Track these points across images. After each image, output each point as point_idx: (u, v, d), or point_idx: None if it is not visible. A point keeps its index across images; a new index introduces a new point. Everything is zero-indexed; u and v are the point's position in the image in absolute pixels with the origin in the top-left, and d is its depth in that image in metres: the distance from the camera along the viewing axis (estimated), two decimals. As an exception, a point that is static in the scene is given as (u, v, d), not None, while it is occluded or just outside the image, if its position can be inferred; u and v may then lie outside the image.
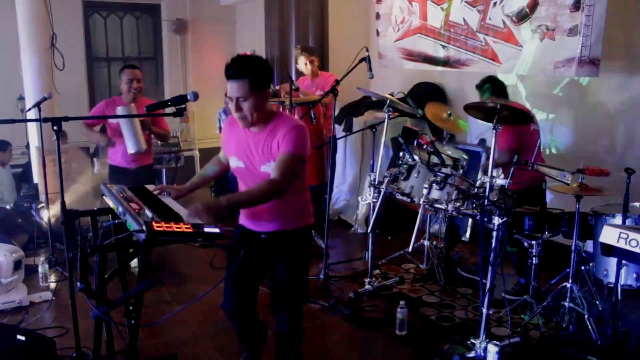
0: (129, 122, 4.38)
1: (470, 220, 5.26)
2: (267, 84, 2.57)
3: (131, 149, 4.41)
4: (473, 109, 3.55)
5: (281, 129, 2.56)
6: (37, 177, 5.97)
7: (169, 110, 2.93)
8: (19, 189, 6.37)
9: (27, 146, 6.55)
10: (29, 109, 5.11)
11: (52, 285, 4.44)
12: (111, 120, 4.59)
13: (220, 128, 6.15)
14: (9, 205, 5.92)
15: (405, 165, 3.93)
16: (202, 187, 3.14)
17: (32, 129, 5.86)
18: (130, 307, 2.82)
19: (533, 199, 4.10)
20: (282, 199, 2.55)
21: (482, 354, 3.26)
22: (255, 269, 2.85)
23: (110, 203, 2.76)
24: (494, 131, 3.35)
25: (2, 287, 4.04)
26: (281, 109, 4.99)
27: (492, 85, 4.28)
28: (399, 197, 3.89)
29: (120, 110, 4.38)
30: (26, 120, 3.68)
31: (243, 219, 2.84)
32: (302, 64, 5.68)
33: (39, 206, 5.48)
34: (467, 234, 5.48)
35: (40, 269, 4.49)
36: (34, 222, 5.42)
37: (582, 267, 3.71)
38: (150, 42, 8.81)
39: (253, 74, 2.47)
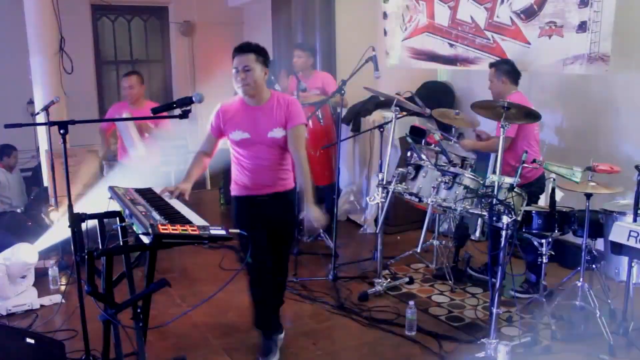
0: (125, 130, 4.68)
1: (479, 219, 5.23)
2: (267, 64, 3.15)
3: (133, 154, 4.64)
4: (480, 108, 3.53)
5: (282, 102, 3.20)
6: (46, 181, 6.01)
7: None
8: (30, 192, 6.41)
9: (37, 149, 6.60)
10: (37, 113, 5.15)
11: (62, 288, 4.47)
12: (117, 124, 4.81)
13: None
14: (19, 209, 5.96)
15: (413, 165, 3.91)
16: (211, 188, 3.29)
17: (41, 132, 5.91)
18: (139, 310, 2.82)
19: (534, 194, 4.07)
20: (280, 167, 3.24)
21: (493, 354, 3.24)
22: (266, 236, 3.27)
23: (117, 205, 2.77)
24: (502, 129, 3.33)
25: (12, 290, 4.07)
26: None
27: (510, 68, 4.25)
28: (407, 196, 3.87)
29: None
30: (33, 124, 3.74)
31: (244, 190, 3.27)
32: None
33: (49, 209, 5.50)
34: (477, 233, 5.44)
35: (50, 272, 4.51)
36: (44, 226, 5.44)
37: (593, 266, 3.68)
38: (158, 44, 8.84)
39: (257, 51, 3.11)
